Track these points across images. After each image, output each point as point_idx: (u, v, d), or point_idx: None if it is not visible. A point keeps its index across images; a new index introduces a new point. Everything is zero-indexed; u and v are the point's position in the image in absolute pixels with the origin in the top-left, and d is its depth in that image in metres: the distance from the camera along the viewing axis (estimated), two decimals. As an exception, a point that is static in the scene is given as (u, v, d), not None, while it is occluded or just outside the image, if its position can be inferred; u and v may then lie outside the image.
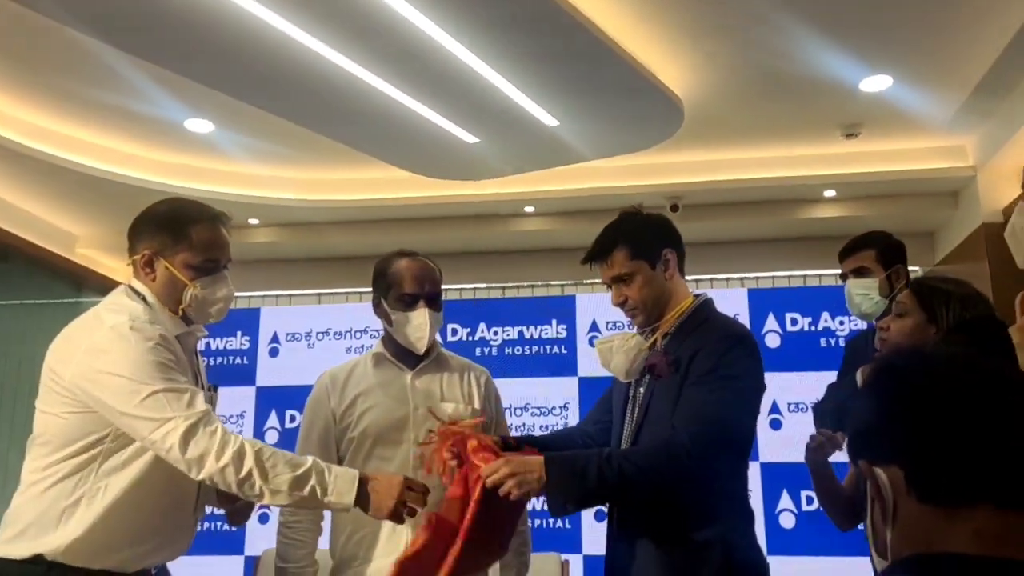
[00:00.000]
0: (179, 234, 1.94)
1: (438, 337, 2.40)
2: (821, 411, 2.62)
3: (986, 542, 0.82)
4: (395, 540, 2.14)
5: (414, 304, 2.24)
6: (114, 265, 6.34)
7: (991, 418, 0.85)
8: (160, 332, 1.85)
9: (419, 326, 2.23)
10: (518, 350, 5.06)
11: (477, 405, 2.31)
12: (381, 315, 2.34)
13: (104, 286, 4.76)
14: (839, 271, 2.88)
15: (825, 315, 4.90)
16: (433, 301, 2.26)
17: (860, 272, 2.77)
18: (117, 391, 1.76)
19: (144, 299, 1.93)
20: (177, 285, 1.94)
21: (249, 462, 1.75)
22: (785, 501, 4.75)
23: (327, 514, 2.27)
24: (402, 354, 2.31)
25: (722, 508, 1.92)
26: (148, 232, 1.96)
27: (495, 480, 1.81)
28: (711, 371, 1.90)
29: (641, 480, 1.84)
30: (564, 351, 5.10)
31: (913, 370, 0.93)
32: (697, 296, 2.10)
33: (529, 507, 2.29)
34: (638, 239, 2.05)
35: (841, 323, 4.92)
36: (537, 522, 4.63)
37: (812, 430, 2.34)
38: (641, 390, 2.05)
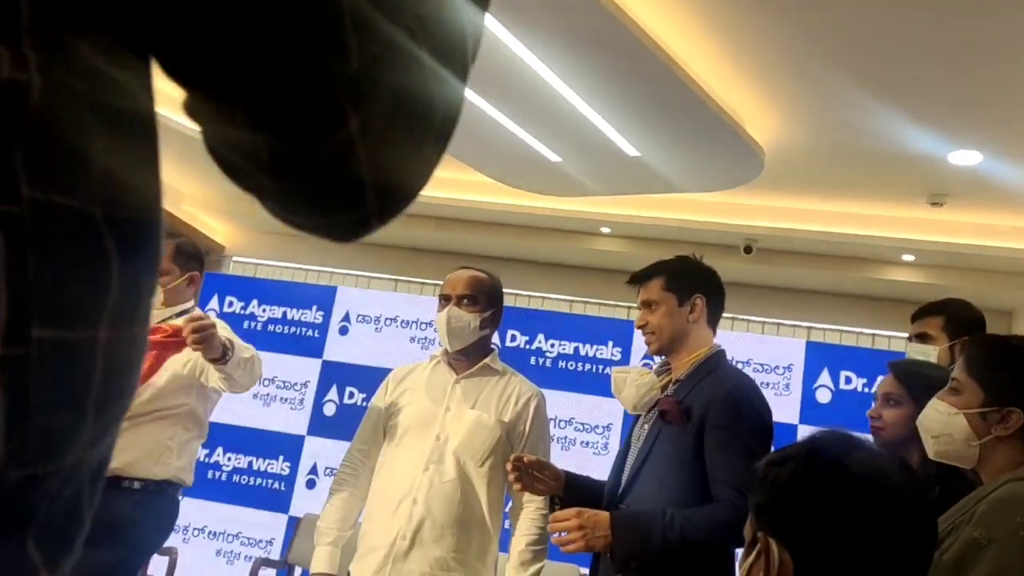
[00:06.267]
0: None
1: (496, 347, 2.55)
2: None
3: None
4: (389, 532, 2.31)
5: (445, 305, 2.44)
6: (215, 225, 6.71)
7: (883, 543, 0.96)
8: None
9: (440, 323, 2.44)
10: (572, 365, 5.17)
11: (506, 419, 2.39)
12: None
13: (204, 245, 5.04)
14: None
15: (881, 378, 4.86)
16: (463, 302, 2.41)
17: (922, 338, 2.57)
18: None
19: None
20: None
21: None
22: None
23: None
24: (457, 359, 2.47)
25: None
26: None
27: (564, 527, 1.89)
28: (726, 429, 2.00)
29: (701, 542, 1.92)
30: (618, 372, 5.19)
31: (848, 469, 1.00)
32: (712, 347, 2.22)
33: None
34: (675, 275, 2.23)
35: (899, 388, 4.87)
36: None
37: None
38: (646, 427, 2.18)
